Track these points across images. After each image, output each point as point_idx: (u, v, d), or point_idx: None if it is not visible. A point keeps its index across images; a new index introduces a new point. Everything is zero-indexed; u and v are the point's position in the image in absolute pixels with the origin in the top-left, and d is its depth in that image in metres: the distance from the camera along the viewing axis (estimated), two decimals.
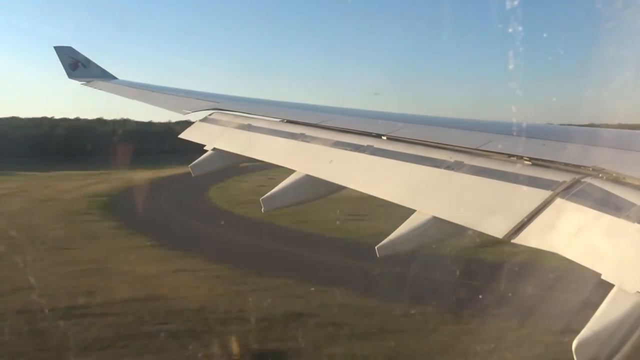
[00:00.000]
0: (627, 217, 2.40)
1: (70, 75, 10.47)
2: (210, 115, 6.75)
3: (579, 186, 2.82)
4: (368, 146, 4.43)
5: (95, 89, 10.06)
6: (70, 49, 10.60)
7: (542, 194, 2.88)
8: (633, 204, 2.46)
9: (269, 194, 4.53)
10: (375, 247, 3.42)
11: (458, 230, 3.27)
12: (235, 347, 15.04)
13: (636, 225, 2.33)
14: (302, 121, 5.49)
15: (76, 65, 10.42)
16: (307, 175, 4.47)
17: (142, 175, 51.50)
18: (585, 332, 2.11)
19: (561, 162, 3.13)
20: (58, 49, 10.58)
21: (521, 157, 3.40)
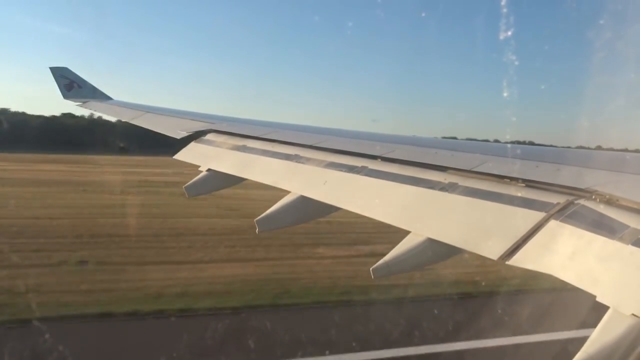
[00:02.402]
0: (621, 239, 2.41)
1: (65, 96, 10.52)
2: (205, 136, 6.76)
3: (573, 208, 2.82)
4: (362, 167, 4.44)
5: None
6: (65, 69, 10.65)
7: (536, 216, 2.88)
8: (627, 226, 2.46)
9: (263, 215, 4.52)
10: (370, 269, 3.41)
11: (453, 251, 3.27)
12: None
13: (630, 247, 2.33)
14: (297, 142, 5.51)
15: (71, 85, 10.47)
16: (302, 196, 4.47)
17: None
18: (581, 355, 2.10)
19: (555, 184, 3.14)
20: (53, 70, 10.63)
21: (515, 179, 3.41)
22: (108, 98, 10.39)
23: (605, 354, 2.07)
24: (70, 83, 10.43)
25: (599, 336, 2.12)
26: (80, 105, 10.33)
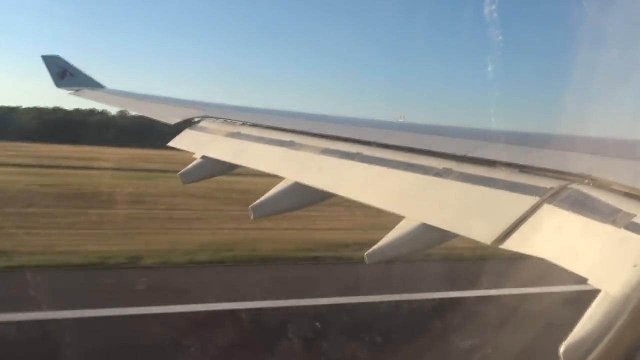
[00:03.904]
0: (613, 223, 2.43)
1: (58, 84, 10.44)
2: (199, 123, 6.75)
3: (566, 192, 2.84)
4: (357, 153, 4.45)
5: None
6: (57, 57, 10.57)
7: (530, 200, 2.90)
8: (619, 210, 2.49)
9: (258, 201, 4.53)
10: (365, 254, 3.43)
11: (447, 236, 3.29)
12: None
13: (622, 230, 2.36)
14: (291, 129, 5.51)
15: (64, 74, 10.38)
16: (297, 183, 4.48)
17: None
18: (572, 337, 2.13)
19: (548, 169, 3.16)
20: (45, 58, 10.55)
21: (509, 164, 3.43)
22: (101, 86, 10.32)
23: (596, 335, 2.10)
24: (62, 71, 10.34)
25: (590, 318, 2.15)
26: (73, 94, 10.26)
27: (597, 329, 2.10)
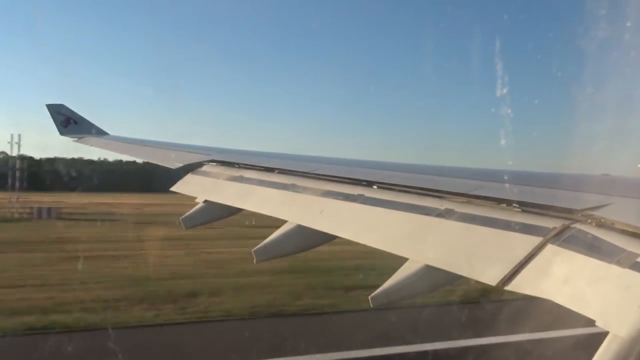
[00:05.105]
0: (618, 263, 2.40)
1: (62, 133, 10.50)
2: (201, 167, 6.78)
3: (569, 232, 2.83)
4: (359, 195, 4.45)
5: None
6: (62, 106, 10.67)
7: (533, 241, 2.88)
8: (623, 250, 2.46)
9: (261, 245, 4.51)
10: (369, 297, 3.39)
11: (451, 278, 3.26)
12: None
13: (627, 270, 2.33)
14: (293, 171, 5.52)
15: (68, 122, 10.47)
16: (299, 226, 4.46)
17: None
18: None
19: (550, 208, 3.15)
20: (50, 107, 10.65)
21: (511, 204, 3.42)
22: (105, 133, 10.40)
23: None
24: (66, 119, 10.42)
25: None
26: (77, 141, 10.33)
27: None
